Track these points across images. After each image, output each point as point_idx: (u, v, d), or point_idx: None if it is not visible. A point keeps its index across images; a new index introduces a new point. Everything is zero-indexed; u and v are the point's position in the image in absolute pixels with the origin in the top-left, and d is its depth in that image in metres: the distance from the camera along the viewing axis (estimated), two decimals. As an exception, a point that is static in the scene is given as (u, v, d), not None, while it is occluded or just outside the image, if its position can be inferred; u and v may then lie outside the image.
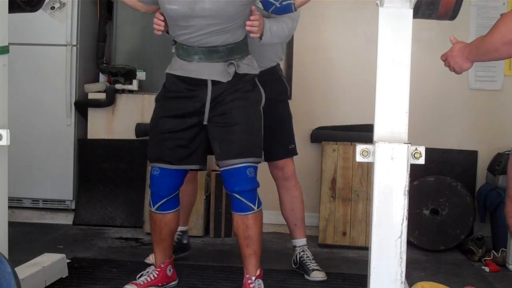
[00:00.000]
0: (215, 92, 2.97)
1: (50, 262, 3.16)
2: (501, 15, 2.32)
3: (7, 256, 2.59)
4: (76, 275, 3.27)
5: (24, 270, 2.93)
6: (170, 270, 3.18)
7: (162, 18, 3.04)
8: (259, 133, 3.01)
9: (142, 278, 3.14)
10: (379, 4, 2.46)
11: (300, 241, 3.50)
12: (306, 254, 3.49)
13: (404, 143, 2.43)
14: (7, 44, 2.72)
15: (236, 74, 2.96)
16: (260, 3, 2.96)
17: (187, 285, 3.21)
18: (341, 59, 4.51)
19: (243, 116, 2.96)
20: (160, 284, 3.14)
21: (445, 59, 2.55)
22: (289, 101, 3.54)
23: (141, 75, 4.58)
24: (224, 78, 2.96)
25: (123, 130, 4.52)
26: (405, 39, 2.46)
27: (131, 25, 4.61)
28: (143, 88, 4.57)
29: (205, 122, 2.99)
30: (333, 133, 4.37)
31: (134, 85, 4.51)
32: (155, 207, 3.07)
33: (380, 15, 2.46)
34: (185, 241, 3.66)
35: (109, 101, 4.52)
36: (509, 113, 4.42)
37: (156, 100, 3.13)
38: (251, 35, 2.99)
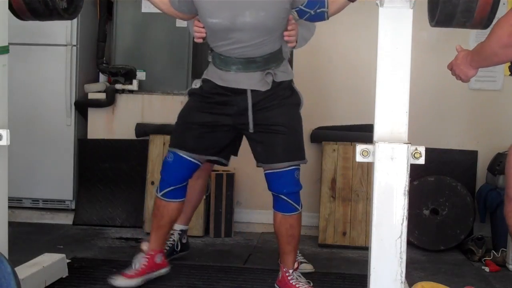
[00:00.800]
0: (255, 99, 3.03)
1: (50, 262, 3.15)
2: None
3: (7, 256, 2.59)
4: (76, 275, 3.27)
5: (24, 270, 2.93)
6: (160, 258, 3.21)
7: (201, 25, 3.05)
8: (301, 135, 3.11)
9: (130, 269, 3.14)
10: (379, 4, 2.46)
11: None
12: None
13: (404, 143, 2.43)
14: (7, 44, 2.72)
15: (273, 82, 3.03)
16: (295, 12, 3.01)
17: (187, 285, 3.20)
18: (341, 59, 4.51)
19: (285, 120, 3.04)
20: (149, 271, 3.16)
21: (451, 68, 2.58)
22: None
23: (141, 75, 4.59)
24: (263, 87, 3.03)
25: (123, 130, 4.52)
26: (405, 39, 2.46)
27: (131, 25, 4.61)
28: (143, 88, 4.57)
29: (251, 130, 3.06)
30: (333, 133, 4.37)
31: (134, 85, 4.51)
32: (162, 193, 3.12)
33: (380, 15, 2.47)
34: (184, 241, 3.67)
35: (109, 101, 4.52)
36: (509, 113, 4.43)
37: (190, 94, 3.17)
38: (289, 44, 3.07)
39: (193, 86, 3.16)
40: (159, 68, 4.60)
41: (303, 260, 3.49)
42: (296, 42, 3.11)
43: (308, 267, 3.46)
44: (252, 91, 3.03)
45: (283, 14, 2.95)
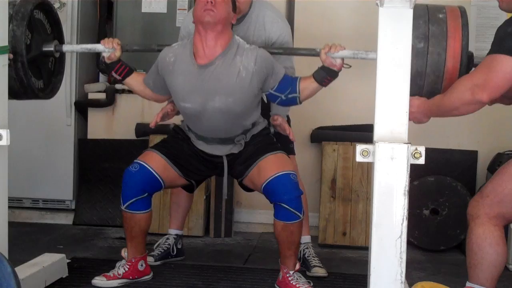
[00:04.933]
0: (230, 158, 3.18)
1: (50, 262, 3.15)
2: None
3: (7, 256, 2.59)
4: (76, 275, 3.27)
5: (24, 270, 2.93)
6: (142, 265, 3.21)
7: (172, 109, 3.27)
8: (277, 145, 3.21)
9: (112, 271, 3.16)
10: (379, 4, 2.47)
11: (304, 238, 3.50)
12: (310, 251, 3.52)
13: (404, 143, 2.43)
14: (7, 44, 2.72)
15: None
16: (265, 96, 3.12)
17: (187, 285, 3.20)
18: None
19: (260, 150, 3.14)
20: (131, 277, 3.17)
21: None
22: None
23: (140, 70, 4.58)
24: (237, 150, 3.16)
25: (123, 130, 4.52)
26: (405, 39, 2.47)
27: (131, 25, 4.61)
28: (143, 88, 4.57)
29: (225, 177, 3.21)
30: (333, 133, 4.37)
31: (133, 81, 4.50)
32: (125, 205, 3.11)
33: (380, 15, 2.47)
34: (179, 246, 3.65)
35: (109, 101, 4.52)
36: (509, 113, 4.41)
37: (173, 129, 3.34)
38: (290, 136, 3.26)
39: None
40: (159, 68, 4.60)
41: (317, 264, 3.46)
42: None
43: (320, 272, 3.42)
44: (227, 155, 3.16)
45: (251, 99, 3.04)
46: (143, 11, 4.56)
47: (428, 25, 2.63)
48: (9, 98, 2.76)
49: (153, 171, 3.10)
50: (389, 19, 2.46)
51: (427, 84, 2.64)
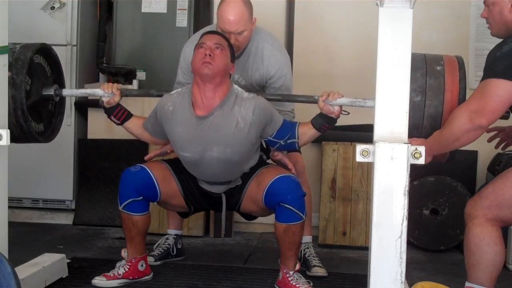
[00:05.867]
0: (228, 194, 3.20)
1: (50, 262, 3.16)
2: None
3: (7, 256, 2.59)
4: (76, 275, 3.27)
5: (24, 270, 2.93)
6: (142, 266, 3.21)
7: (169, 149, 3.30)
8: (265, 162, 3.24)
9: (112, 271, 3.17)
10: (379, 4, 2.47)
11: (305, 238, 3.50)
12: (310, 251, 3.52)
13: (404, 143, 2.43)
14: (7, 44, 2.72)
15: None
16: (264, 142, 3.14)
17: (187, 285, 3.21)
18: (341, 59, 4.51)
19: (257, 166, 3.17)
20: (131, 278, 3.17)
21: None
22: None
23: (141, 75, 4.59)
24: (234, 185, 3.17)
25: (123, 130, 4.48)
26: (405, 39, 2.47)
27: (131, 25, 4.61)
28: (143, 88, 4.57)
29: (223, 214, 3.29)
30: (333, 133, 4.35)
31: (134, 85, 4.50)
32: (122, 206, 3.14)
33: (380, 15, 2.47)
34: (179, 246, 3.65)
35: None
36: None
37: None
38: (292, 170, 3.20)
39: None
40: (159, 68, 4.60)
41: (317, 264, 3.46)
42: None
43: (320, 271, 3.43)
44: (224, 192, 3.18)
45: (249, 148, 3.06)
46: (143, 11, 4.56)
47: (425, 77, 2.66)
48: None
49: (152, 177, 3.12)
50: (389, 19, 2.46)
51: (424, 137, 2.67)
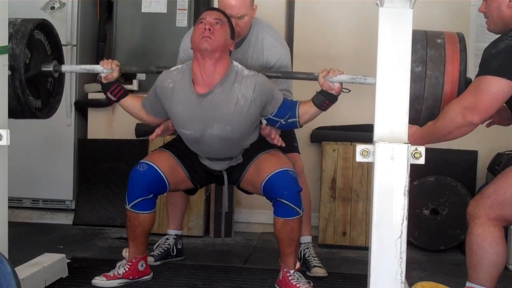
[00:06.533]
0: (229, 171, 3.22)
1: (50, 262, 3.16)
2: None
3: (7, 256, 2.59)
4: (76, 275, 3.27)
5: (24, 270, 2.93)
6: (142, 265, 3.21)
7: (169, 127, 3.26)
8: (272, 146, 3.21)
9: (112, 271, 3.17)
10: (379, 4, 2.46)
11: (305, 238, 3.51)
12: (310, 252, 3.53)
13: (404, 143, 2.43)
14: (7, 44, 2.72)
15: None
16: (265, 120, 3.12)
17: (187, 285, 3.21)
18: (341, 59, 4.50)
19: (258, 146, 3.17)
20: (131, 277, 3.17)
21: None
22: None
23: (141, 75, 4.58)
24: (236, 163, 3.19)
25: (123, 130, 4.52)
26: (405, 39, 2.47)
27: (131, 25, 4.61)
28: (143, 88, 4.56)
29: (225, 189, 3.29)
30: (333, 133, 4.37)
31: (134, 85, 4.50)
32: (130, 205, 3.12)
33: (380, 15, 2.47)
34: (179, 246, 3.65)
35: (109, 101, 4.51)
36: (509, 113, 4.41)
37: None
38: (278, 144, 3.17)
39: None
40: (159, 68, 4.59)
41: (317, 264, 3.47)
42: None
43: (320, 271, 3.43)
44: (226, 169, 3.21)
45: (249, 125, 3.07)
46: (143, 11, 4.56)
47: (426, 49, 2.66)
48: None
49: (161, 173, 3.12)
50: (389, 19, 2.46)
51: (425, 109, 2.67)
